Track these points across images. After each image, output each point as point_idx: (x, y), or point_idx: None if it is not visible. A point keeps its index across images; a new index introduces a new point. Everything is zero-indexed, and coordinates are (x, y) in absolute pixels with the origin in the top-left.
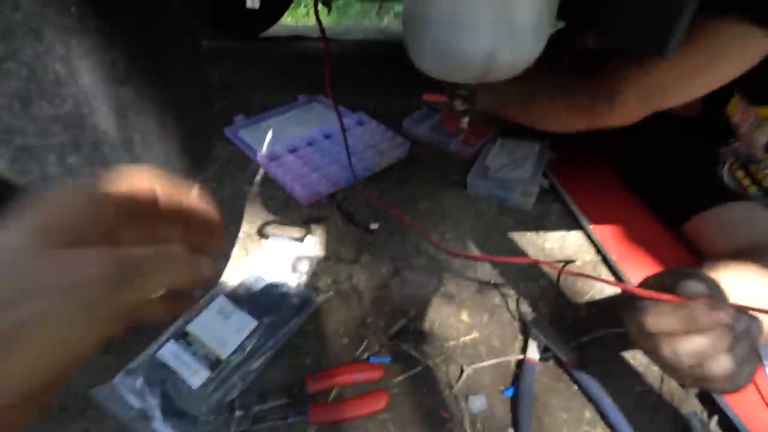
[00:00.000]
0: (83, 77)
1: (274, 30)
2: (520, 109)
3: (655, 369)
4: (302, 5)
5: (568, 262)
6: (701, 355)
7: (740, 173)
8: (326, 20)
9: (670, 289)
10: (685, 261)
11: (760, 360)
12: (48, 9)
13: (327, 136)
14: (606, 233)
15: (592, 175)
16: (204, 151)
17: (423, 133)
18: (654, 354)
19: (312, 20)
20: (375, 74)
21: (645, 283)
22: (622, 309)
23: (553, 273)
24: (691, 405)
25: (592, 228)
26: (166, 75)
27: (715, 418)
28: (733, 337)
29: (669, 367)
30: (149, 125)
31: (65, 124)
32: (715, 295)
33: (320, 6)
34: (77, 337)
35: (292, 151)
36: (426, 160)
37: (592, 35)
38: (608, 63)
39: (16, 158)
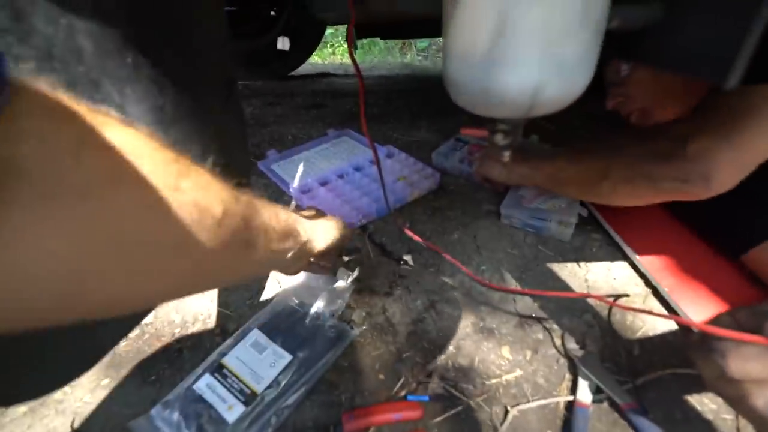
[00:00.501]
0: (136, 122)
1: (303, 69)
2: (585, 190)
3: (727, 416)
4: (328, 45)
5: (620, 296)
6: None
7: None
8: None
9: (753, 330)
10: (748, 294)
11: None
12: (107, 61)
13: (357, 169)
14: (655, 264)
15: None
16: (241, 185)
17: (453, 164)
18: (740, 404)
19: (337, 58)
20: (401, 108)
21: (718, 321)
22: (692, 349)
23: (600, 307)
24: None
25: (639, 258)
26: (208, 116)
27: None
28: None
29: (761, 420)
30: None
31: None
32: None
33: (344, 46)
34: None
35: (324, 183)
36: (458, 191)
37: (644, 63)
38: (686, 143)
39: None
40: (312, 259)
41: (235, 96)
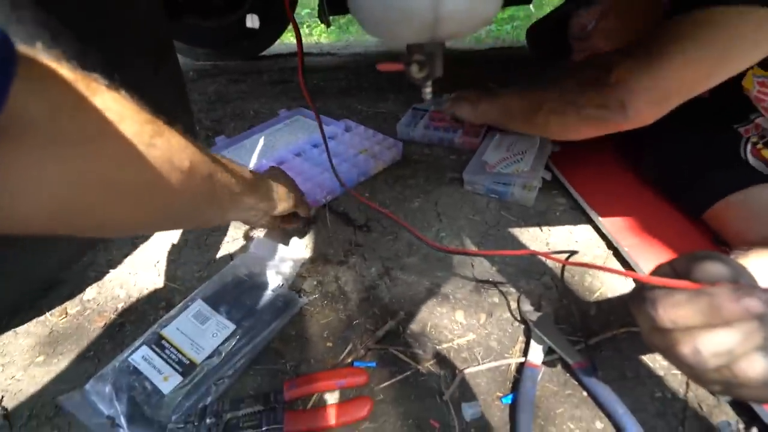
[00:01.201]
0: None
1: (275, 48)
2: (526, 121)
3: (677, 372)
4: (305, 25)
5: (572, 253)
6: (730, 354)
7: (766, 152)
8: (328, 38)
9: (686, 275)
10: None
11: None
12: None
13: (315, 146)
14: (617, 225)
15: (599, 165)
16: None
17: (420, 133)
18: (671, 354)
19: (311, 38)
20: (369, 82)
21: (658, 271)
22: (629, 301)
23: (557, 269)
24: (723, 413)
25: (602, 220)
26: (135, 87)
27: (754, 429)
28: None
29: (691, 370)
30: None
31: None
32: (742, 278)
33: (318, 23)
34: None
35: (281, 163)
36: (421, 160)
37: None
38: (611, 72)
39: None
40: (274, 217)
41: (170, 67)
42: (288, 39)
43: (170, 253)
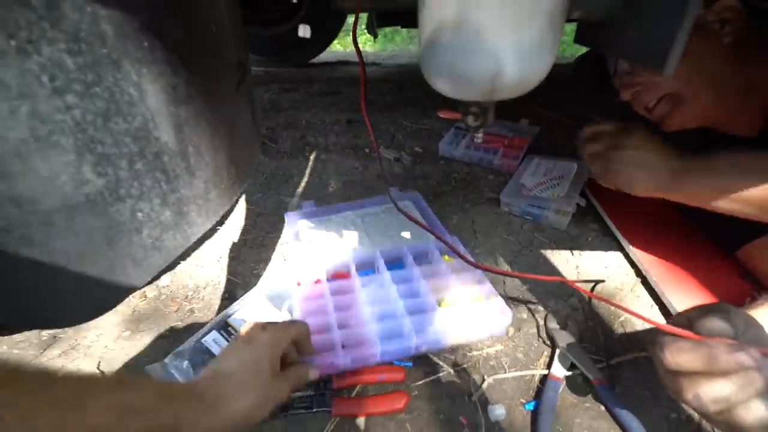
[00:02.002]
0: (150, 99)
1: (323, 56)
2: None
3: None
4: (349, 33)
5: (597, 282)
6: (728, 401)
7: None
8: (373, 47)
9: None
10: (739, 289)
11: None
12: (127, 44)
13: (395, 266)
14: (647, 255)
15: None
16: (248, 164)
17: (461, 152)
18: (678, 395)
19: (360, 47)
20: (414, 96)
21: (674, 319)
22: (647, 345)
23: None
24: None
25: (633, 249)
26: (218, 98)
27: None
28: (765, 382)
29: (697, 412)
30: (202, 139)
31: (134, 137)
32: (744, 333)
33: (366, 34)
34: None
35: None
36: (461, 178)
37: (608, 53)
38: None
39: (98, 163)
40: None
41: (247, 81)
42: (335, 47)
43: (231, 250)
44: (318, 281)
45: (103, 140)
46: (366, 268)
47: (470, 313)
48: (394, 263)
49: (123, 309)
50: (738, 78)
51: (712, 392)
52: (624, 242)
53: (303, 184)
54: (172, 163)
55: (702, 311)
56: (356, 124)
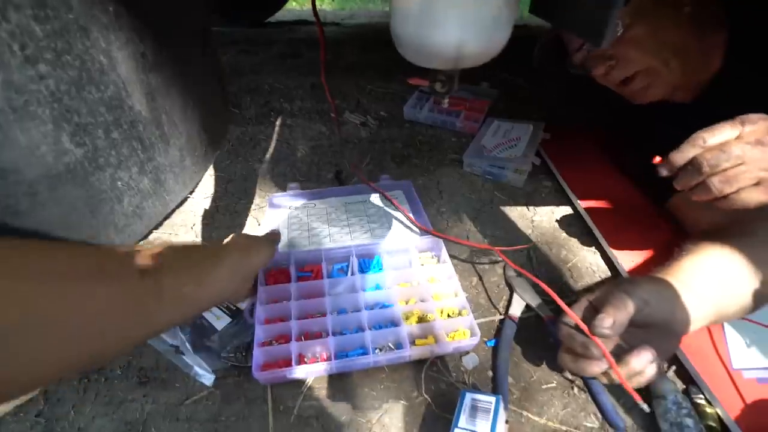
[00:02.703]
0: (120, 66)
1: (280, 15)
2: None
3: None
4: None
5: (530, 247)
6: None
7: None
8: (331, 5)
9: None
10: (667, 236)
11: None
12: (92, 9)
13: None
14: (593, 209)
15: (583, 155)
16: (220, 131)
17: (425, 116)
18: (562, 365)
19: (318, 5)
20: (376, 59)
21: (584, 300)
22: (558, 322)
23: (539, 243)
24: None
25: (580, 203)
26: (186, 64)
27: (673, 367)
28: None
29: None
30: (174, 107)
31: (108, 106)
32: (641, 311)
33: None
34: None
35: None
36: (425, 141)
37: (555, 25)
38: None
39: (75, 133)
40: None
41: (211, 45)
42: (291, 6)
43: (204, 217)
44: (284, 272)
45: (78, 110)
46: (340, 261)
47: (439, 330)
48: (370, 258)
49: None
50: (698, 46)
51: (583, 368)
52: (573, 197)
53: (271, 149)
54: (147, 131)
55: (603, 294)
56: (320, 88)
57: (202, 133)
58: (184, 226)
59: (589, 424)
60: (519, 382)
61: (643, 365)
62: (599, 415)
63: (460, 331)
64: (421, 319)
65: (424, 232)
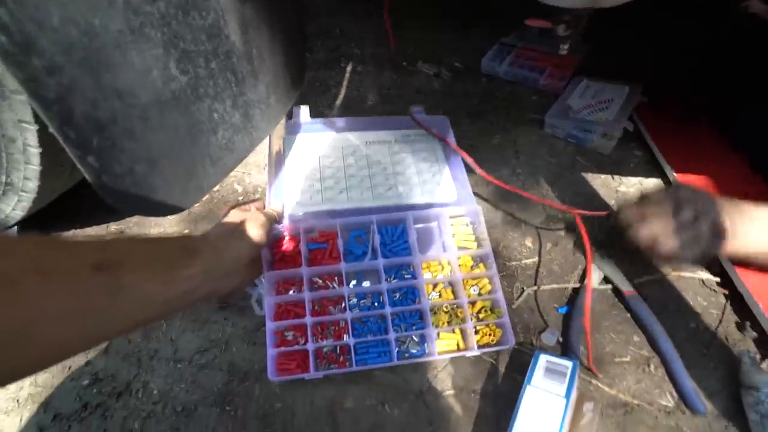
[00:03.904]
0: None
1: None
2: None
3: (713, 311)
4: None
5: (596, 213)
6: (652, 238)
7: None
8: None
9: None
10: None
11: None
12: None
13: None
14: (691, 182)
15: (686, 123)
16: (300, 71)
17: (505, 70)
18: (631, 240)
19: None
20: (455, 7)
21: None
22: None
23: None
24: (745, 346)
25: (676, 175)
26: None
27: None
28: (677, 225)
29: (637, 250)
30: (263, 42)
31: (209, 34)
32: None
33: None
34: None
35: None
36: (503, 97)
37: None
38: None
39: (181, 60)
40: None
41: None
42: None
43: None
44: (293, 242)
45: (184, 36)
46: (358, 228)
47: (469, 329)
48: (394, 226)
49: None
50: None
51: (642, 231)
52: (667, 169)
53: (341, 96)
54: (240, 64)
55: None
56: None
57: (285, 72)
58: (257, 167)
59: (663, 402)
60: (589, 352)
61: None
62: (675, 395)
63: (493, 329)
64: (451, 316)
65: (460, 191)
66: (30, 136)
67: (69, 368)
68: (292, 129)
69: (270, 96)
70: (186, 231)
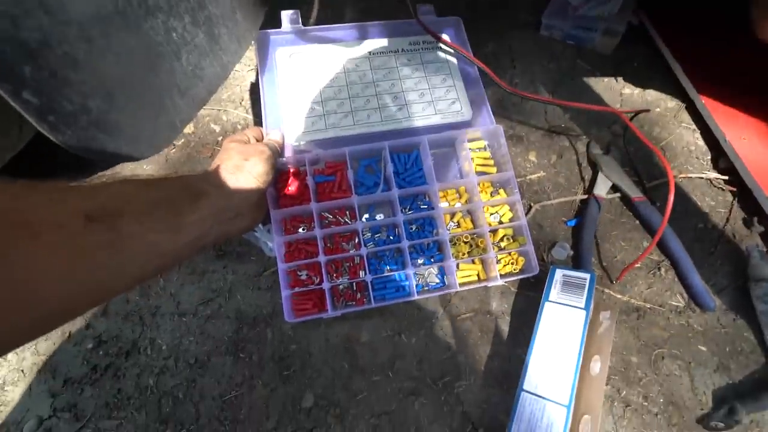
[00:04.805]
0: None
1: None
2: None
3: (721, 210)
4: None
5: (640, 111)
6: None
7: None
8: None
9: None
10: None
11: None
12: None
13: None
14: (700, 80)
15: (695, 14)
16: None
17: None
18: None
19: None
20: None
21: None
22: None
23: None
24: (753, 241)
25: (683, 73)
26: None
27: None
28: None
29: None
30: None
31: None
32: None
33: None
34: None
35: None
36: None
37: None
38: None
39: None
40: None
41: None
42: None
43: (251, 92)
44: (298, 175)
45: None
46: (367, 156)
47: (491, 259)
48: (407, 153)
49: (156, 158)
50: None
51: None
52: (674, 65)
53: (315, 12)
54: None
55: None
56: None
57: None
58: (232, 102)
59: (674, 303)
60: (601, 261)
61: None
62: (685, 295)
63: (515, 257)
64: (471, 246)
65: (475, 109)
66: None
67: (69, 334)
68: (280, 42)
69: (236, 11)
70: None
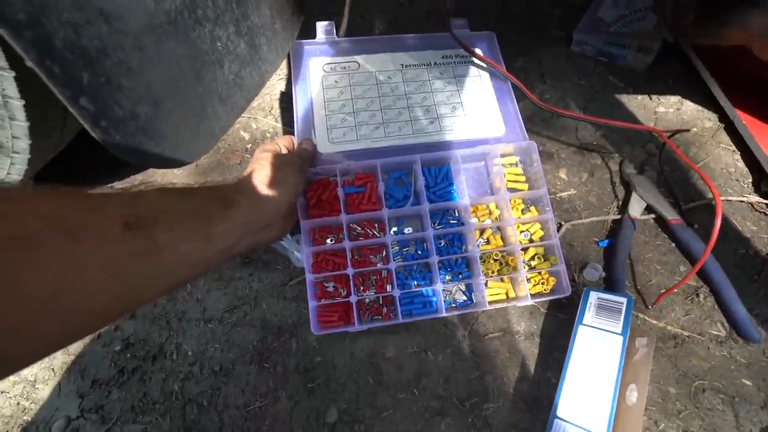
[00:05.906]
0: None
1: None
2: None
3: (764, 236)
4: None
5: (679, 131)
6: None
7: None
8: None
9: None
10: None
11: None
12: None
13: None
14: (740, 99)
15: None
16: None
17: None
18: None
19: None
20: None
21: None
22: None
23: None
24: None
25: (721, 91)
26: None
27: None
28: None
29: None
30: None
31: None
32: None
33: None
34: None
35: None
36: (522, 12)
37: None
38: None
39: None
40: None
41: None
42: None
43: (281, 101)
44: (329, 186)
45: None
46: (397, 169)
47: (521, 279)
48: (438, 167)
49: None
50: None
51: None
52: (710, 82)
53: (344, 24)
54: None
55: None
56: None
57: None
58: (262, 110)
59: (714, 332)
60: (636, 284)
61: None
62: (726, 324)
63: (545, 277)
64: (501, 264)
65: (508, 125)
66: (8, 85)
67: (98, 335)
68: (313, 52)
69: (275, 21)
70: (196, 185)
